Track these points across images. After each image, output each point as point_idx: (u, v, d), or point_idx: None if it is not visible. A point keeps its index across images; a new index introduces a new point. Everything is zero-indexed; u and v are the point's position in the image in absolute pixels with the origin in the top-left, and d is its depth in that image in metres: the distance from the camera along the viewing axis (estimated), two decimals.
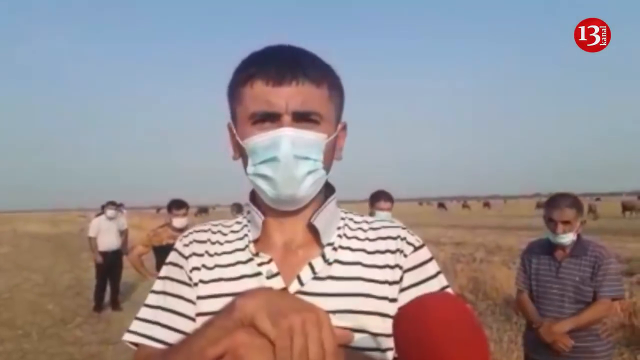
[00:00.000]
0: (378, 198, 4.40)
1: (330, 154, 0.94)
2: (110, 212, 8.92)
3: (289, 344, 0.61)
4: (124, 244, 9.26)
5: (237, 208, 8.24)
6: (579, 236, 3.03)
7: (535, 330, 2.97)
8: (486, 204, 71.58)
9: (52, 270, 14.12)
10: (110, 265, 8.84)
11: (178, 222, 5.48)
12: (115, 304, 8.90)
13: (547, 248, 3.10)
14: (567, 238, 2.95)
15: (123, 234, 9.36)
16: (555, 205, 2.99)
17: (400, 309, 0.73)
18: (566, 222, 2.93)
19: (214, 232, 1.04)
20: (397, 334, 0.70)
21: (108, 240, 8.84)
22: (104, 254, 8.78)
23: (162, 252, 5.44)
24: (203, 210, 58.18)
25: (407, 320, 0.68)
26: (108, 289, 9.01)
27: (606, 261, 2.91)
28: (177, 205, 5.50)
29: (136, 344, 0.96)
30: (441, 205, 64.44)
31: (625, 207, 35.48)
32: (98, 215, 9.68)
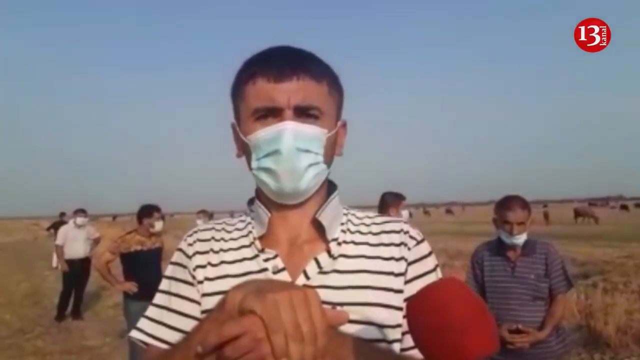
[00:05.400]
0: (394, 200, 4.35)
1: (331, 150, 0.96)
2: (80, 219, 8.70)
3: (276, 314, 0.61)
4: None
5: (205, 214, 8.21)
6: None
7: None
8: (448, 211, 72.93)
9: (7, 279, 13.61)
10: (76, 274, 8.62)
11: (158, 225, 5.56)
12: (76, 314, 8.67)
13: (498, 249, 3.19)
14: (522, 238, 3.07)
15: (94, 242, 9.12)
16: (510, 207, 3.10)
17: (412, 295, 0.76)
18: (521, 224, 3.06)
19: (217, 230, 1.04)
20: (412, 312, 0.72)
21: (75, 248, 8.62)
22: (70, 262, 8.56)
23: (129, 259, 5.40)
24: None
25: (422, 299, 0.71)
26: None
27: (556, 257, 3.11)
28: (157, 209, 5.59)
29: (145, 343, 0.97)
30: None
31: (578, 214, 36.61)
32: (58, 222, 9.43)
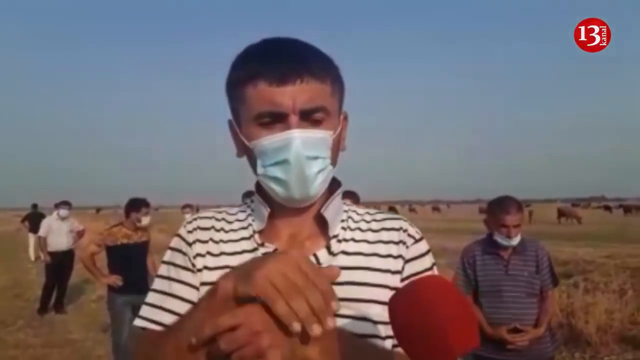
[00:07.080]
0: (343, 197, 4.47)
1: (336, 148, 0.95)
2: (63, 211, 8.61)
3: (270, 287, 0.62)
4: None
5: (191, 209, 8.21)
6: None
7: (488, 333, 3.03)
8: (435, 208, 73.11)
9: None
10: (59, 266, 8.55)
11: (145, 220, 5.53)
12: (59, 307, 8.58)
13: (490, 248, 3.21)
14: (518, 239, 3.12)
15: (78, 234, 9.06)
16: (507, 211, 3.11)
17: (396, 291, 0.78)
18: (517, 226, 3.10)
19: (218, 220, 1.03)
20: (394, 308, 0.73)
21: (57, 241, 8.55)
22: (53, 254, 8.49)
23: (115, 252, 5.35)
24: None
25: (404, 295, 0.72)
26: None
27: (544, 253, 3.19)
28: (145, 203, 5.57)
29: (144, 329, 0.96)
30: (392, 208, 65.26)
31: (561, 214, 36.94)
32: (31, 214, 9.31)
